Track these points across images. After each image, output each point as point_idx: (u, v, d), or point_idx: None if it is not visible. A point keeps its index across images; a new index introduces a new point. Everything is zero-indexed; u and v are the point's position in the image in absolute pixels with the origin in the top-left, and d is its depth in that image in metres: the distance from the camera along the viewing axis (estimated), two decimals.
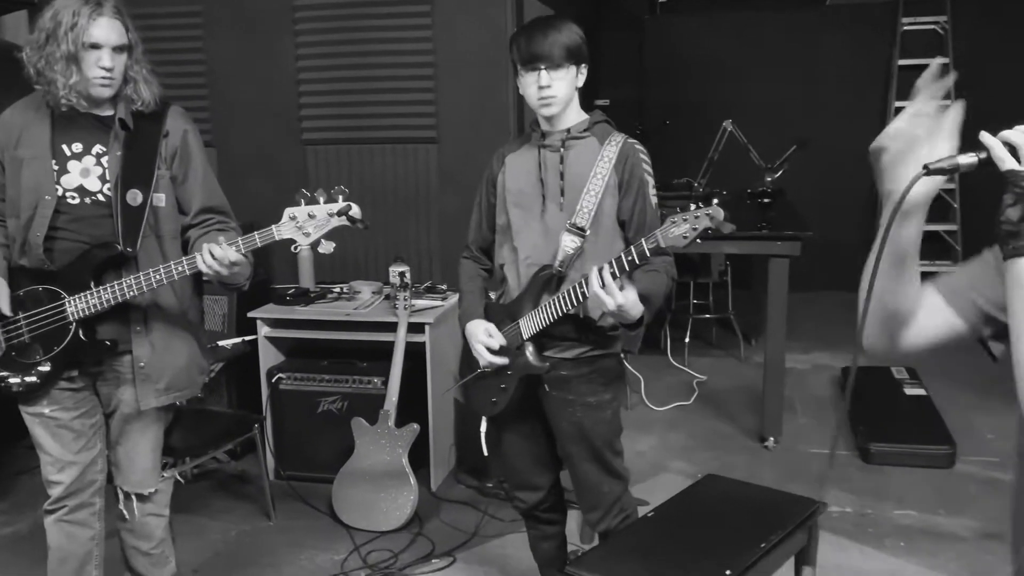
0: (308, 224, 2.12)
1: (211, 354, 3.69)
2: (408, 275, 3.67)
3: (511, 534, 3.38)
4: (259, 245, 2.15)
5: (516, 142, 2.47)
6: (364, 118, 4.14)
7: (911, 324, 1.22)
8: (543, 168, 2.34)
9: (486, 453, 2.57)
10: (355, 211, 2.13)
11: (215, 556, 3.30)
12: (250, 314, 3.84)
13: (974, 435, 4.13)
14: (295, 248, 2.16)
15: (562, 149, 2.32)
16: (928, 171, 0.93)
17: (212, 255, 2.12)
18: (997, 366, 1.23)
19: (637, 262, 2.07)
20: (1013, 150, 0.91)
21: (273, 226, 2.13)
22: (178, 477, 2.72)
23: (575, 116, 2.34)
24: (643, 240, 2.04)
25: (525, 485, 2.57)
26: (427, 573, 3.14)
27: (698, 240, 1.95)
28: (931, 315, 1.20)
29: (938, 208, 6.75)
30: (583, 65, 2.28)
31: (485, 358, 2.36)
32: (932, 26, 6.65)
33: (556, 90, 2.23)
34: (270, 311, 3.86)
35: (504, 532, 3.40)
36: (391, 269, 3.75)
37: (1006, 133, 0.92)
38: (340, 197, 2.13)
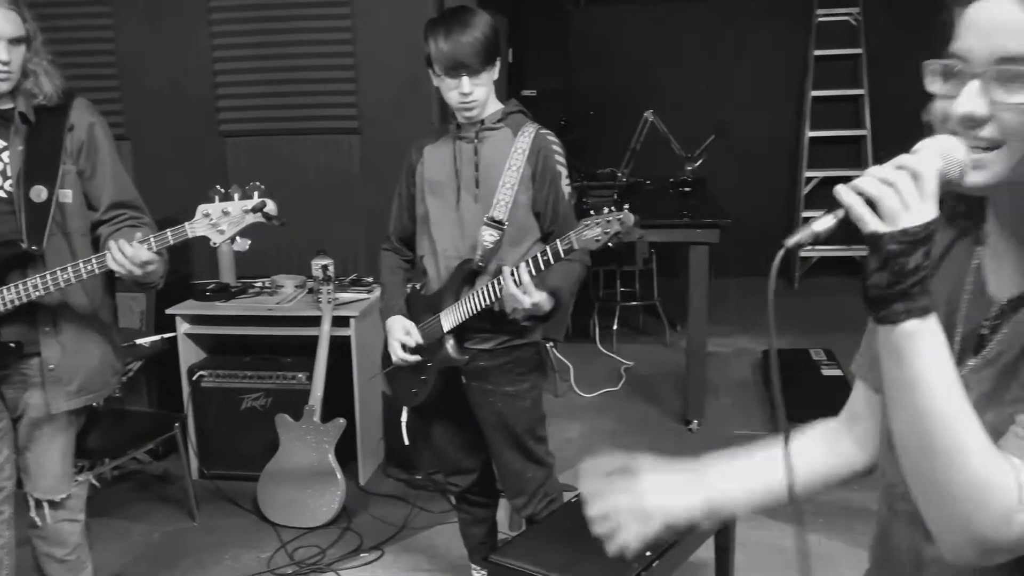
0: (223, 221, 2.08)
1: (128, 352, 3.61)
2: (331, 268, 3.63)
3: (440, 525, 3.38)
4: (172, 243, 2.09)
5: (433, 133, 2.49)
6: (284, 108, 4.07)
7: (867, 433, 1.15)
8: (458, 159, 2.36)
9: (407, 443, 2.62)
10: (270, 207, 2.10)
11: (137, 559, 3.23)
12: (169, 311, 3.75)
13: None
14: (213, 244, 2.12)
15: (476, 140, 2.33)
16: (786, 247, 0.86)
17: (123, 253, 2.06)
18: None
19: (552, 262, 2.11)
20: (872, 204, 0.83)
21: (187, 223, 2.08)
22: (93, 481, 2.63)
23: (490, 107, 2.35)
24: (558, 241, 2.09)
25: (456, 470, 2.63)
26: (355, 567, 3.12)
27: (609, 244, 2.01)
28: (873, 411, 1.13)
29: None
30: (500, 56, 2.30)
31: (398, 354, 2.41)
32: (845, 17, 6.85)
33: (478, 95, 2.26)
34: (190, 307, 3.78)
35: (433, 524, 3.41)
36: (314, 262, 3.71)
37: (860, 183, 0.84)
38: (255, 193, 2.10)
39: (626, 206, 1.98)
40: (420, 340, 2.39)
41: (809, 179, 6.96)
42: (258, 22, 4.01)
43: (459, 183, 2.36)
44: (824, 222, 0.85)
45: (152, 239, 2.07)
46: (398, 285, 2.54)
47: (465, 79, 2.22)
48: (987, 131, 0.86)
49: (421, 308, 2.43)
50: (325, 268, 3.58)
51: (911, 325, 0.83)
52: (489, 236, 2.31)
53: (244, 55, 4.05)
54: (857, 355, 1.17)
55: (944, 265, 1.03)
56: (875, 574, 1.15)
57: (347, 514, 3.43)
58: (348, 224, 4.11)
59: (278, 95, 4.06)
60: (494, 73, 2.29)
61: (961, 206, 1.02)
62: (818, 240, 0.86)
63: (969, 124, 0.86)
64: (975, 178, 0.87)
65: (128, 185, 2.40)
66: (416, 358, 2.39)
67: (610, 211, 1.99)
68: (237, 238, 2.10)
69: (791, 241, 0.86)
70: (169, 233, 2.07)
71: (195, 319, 3.78)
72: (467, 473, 2.62)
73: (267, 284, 3.95)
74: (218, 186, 2.12)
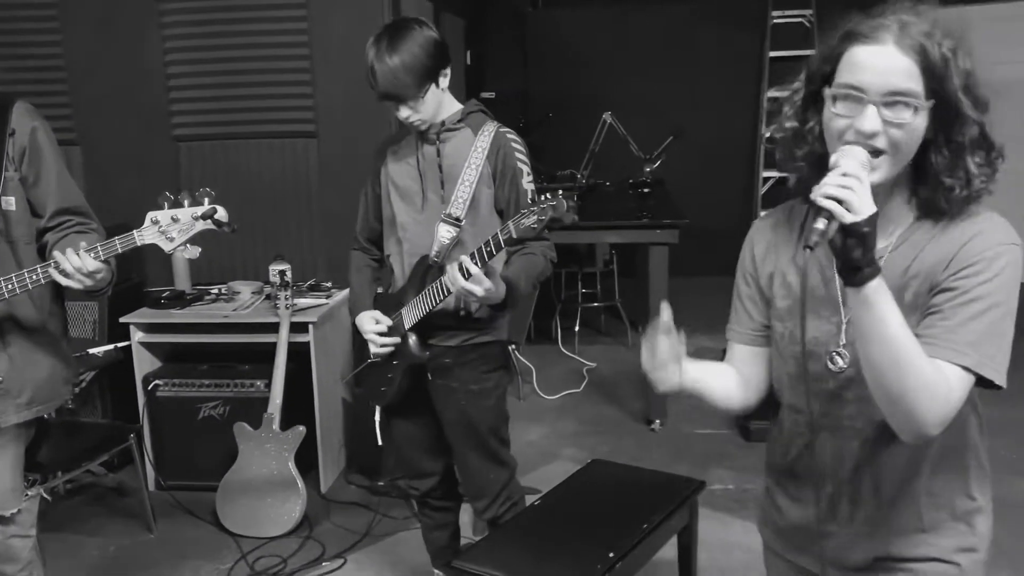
0: (172, 229, 2.03)
1: (81, 362, 3.53)
2: (289, 273, 3.58)
3: (403, 532, 3.36)
4: (120, 252, 2.03)
5: (398, 135, 2.50)
6: (239, 112, 4.01)
7: (749, 381, 1.53)
8: (421, 161, 2.37)
9: (380, 443, 2.60)
10: (221, 214, 2.05)
11: (93, 573, 3.15)
12: (123, 319, 3.67)
13: None
14: (168, 252, 2.08)
15: (438, 142, 2.33)
16: (810, 247, 1.16)
17: (69, 263, 1.99)
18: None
19: (495, 252, 2.11)
20: (840, 203, 1.15)
21: (135, 231, 2.02)
22: (44, 495, 2.55)
23: (449, 108, 2.36)
24: (499, 231, 2.09)
25: (417, 472, 2.62)
26: None
27: (547, 230, 2.03)
28: (756, 362, 1.53)
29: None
30: (443, 71, 2.27)
31: (376, 343, 2.40)
32: (799, 19, 6.95)
33: (422, 114, 2.27)
34: (144, 315, 3.70)
35: (396, 530, 3.38)
36: (271, 268, 3.65)
37: (831, 191, 1.15)
38: (206, 200, 2.05)
39: (560, 191, 2.00)
40: (390, 322, 2.40)
41: (766, 179, 7.04)
42: (212, 24, 3.94)
43: (423, 184, 2.37)
44: (824, 223, 1.15)
45: (99, 247, 2.01)
46: (364, 284, 2.55)
47: (402, 108, 2.24)
48: (879, 142, 1.22)
49: (388, 307, 2.44)
50: (283, 274, 3.53)
51: (875, 282, 1.17)
52: (446, 232, 2.33)
53: (198, 58, 3.98)
54: (731, 325, 1.55)
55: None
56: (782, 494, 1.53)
57: (308, 523, 3.39)
58: (305, 229, 4.06)
59: (233, 99, 4.00)
60: (441, 84, 2.28)
61: None
62: (826, 238, 1.16)
63: (869, 137, 1.22)
64: (873, 178, 1.22)
65: (74, 190, 2.30)
66: (395, 340, 2.38)
67: (545, 198, 2.01)
68: (188, 245, 2.06)
69: (811, 242, 1.15)
70: (117, 241, 2.01)
71: (150, 327, 3.71)
72: (428, 476, 2.61)
73: (223, 291, 3.89)
74: (167, 192, 2.08)
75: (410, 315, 2.36)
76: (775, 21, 6.95)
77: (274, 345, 3.43)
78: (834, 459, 1.41)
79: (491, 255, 2.12)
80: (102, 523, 3.51)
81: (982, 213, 1.30)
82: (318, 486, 3.66)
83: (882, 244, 1.30)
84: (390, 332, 2.41)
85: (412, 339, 2.37)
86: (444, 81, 2.29)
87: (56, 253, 2.02)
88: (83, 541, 3.37)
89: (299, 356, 3.54)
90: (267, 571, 3.11)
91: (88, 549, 3.31)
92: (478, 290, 2.11)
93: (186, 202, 2.05)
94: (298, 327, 3.51)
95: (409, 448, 2.60)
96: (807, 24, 6.93)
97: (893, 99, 1.21)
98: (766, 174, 7.03)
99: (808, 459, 1.44)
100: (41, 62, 4.05)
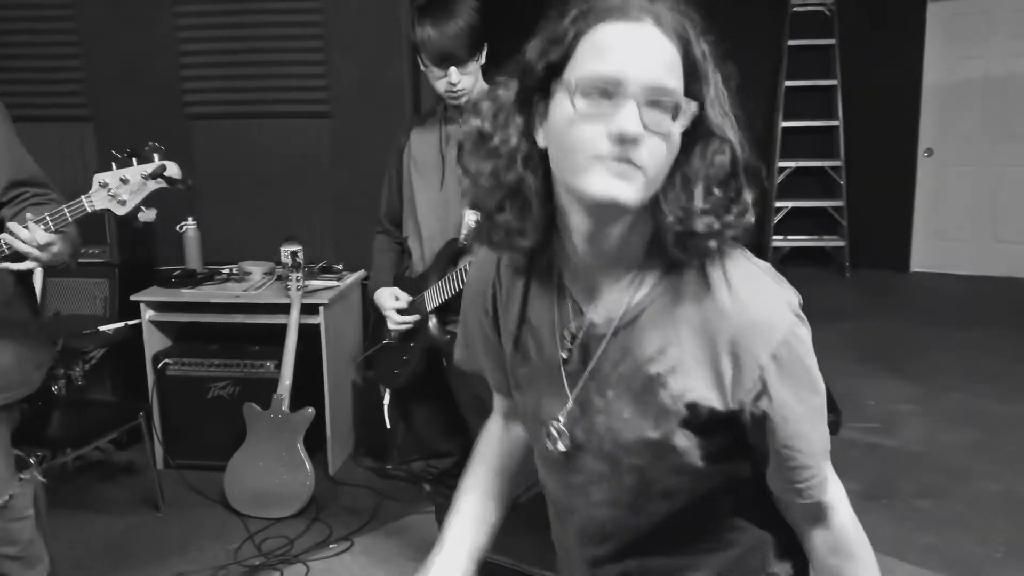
0: (122, 191, 1.89)
1: (91, 340, 3.53)
2: (301, 255, 3.56)
3: (411, 516, 3.35)
4: (70, 221, 1.90)
5: (423, 116, 2.49)
6: (252, 91, 3.98)
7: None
8: (444, 142, 2.36)
9: (388, 426, 2.61)
10: (172, 170, 1.93)
11: (100, 551, 3.15)
12: (133, 297, 3.67)
13: (855, 401, 4.31)
14: (123, 214, 1.94)
15: (462, 123, 2.31)
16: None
17: (19, 238, 1.87)
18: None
19: None
20: None
21: (83, 196, 1.90)
22: (39, 477, 2.47)
23: (475, 90, 2.33)
24: None
25: (435, 453, 2.66)
26: (324, 558, 3.07)
27: None
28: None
29: (825, 184, 7.00)
30: (485, 45, 2.27)
31: (395, 319, 2.40)
32: (819, 8, 6.86)
33: (465, 84, 2.25)
34: (154, 294, 3.69)
35: (404, 514, 3.36)
36: (283, 249, 3.65)
37: None
38: (156, 156, 1.92)
39: None
40: (409, 298, 2.40)
41: (782, 169, 6.98)
42: (226, 2, 3.91)
43: (444, 166, 2.35)
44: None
45: (48, 218, 1.89)
46: (385, 264, 2.55)
47: (453, 70, 2.21)
48: (637, 153, 0.91)
49: (407, 289, 2.44)
50: (294, 255, 3.51)
51: None
52: (472, 217, 2.30)
53: (211, 36, 3.95)
54: (487, 374, 1.33)
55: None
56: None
57: (316, 504, 3.38)
58: (318, 210, 4.04)
59: (246, 78, 3.97)
60: (481, 59, 2.28)
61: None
62: None
63: (625, 140, 0.90)
64: (624, 192, 0.91)
65: (27, 161, 2.15)
66: (415, 317, 2.38)
67: None
68: (143, 208, 1.95)
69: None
70: (66, 209, 1.89)
71: (160, 306, 3.70)
72: (446, 456, 2.63)
73: (234, 271, 3.88)
74: (113, 151, 1.95)
75: (433, 298, 2.35)
76: (795, 9, 6.87)
77: (284, 326, 3.41)
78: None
79: None
80: (110, 500, 3.52)
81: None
82: (326, 468, 3.66)
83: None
84: (409, 312, 2.40)
85: (433, 322, 2.36)
86: (483, 57, 2.28)
87: (4, 233, 1.91)
88: (91, 518, 3.37)
89: (309, 338, 3.53)
90: (274, 552, 3.10)
91: (96, 526, 3.32)
92: None
93: (135, 160, 1.92)
94: (309, 309, 3.50)
95: (426, 430, 2.61)
96: (827, 13, 6.84)
97: (656, 97, 0.91)
98: (782, 164, 6.96)
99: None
100: (55, 37, 4.03)
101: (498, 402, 1.38)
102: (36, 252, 1.88)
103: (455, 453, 2.62)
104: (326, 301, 3.53)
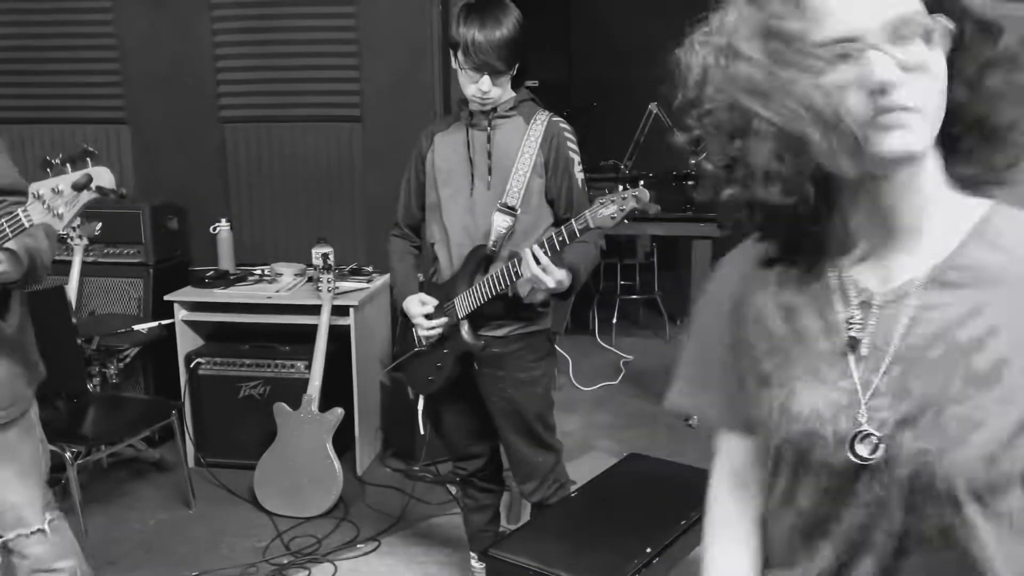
0: (57, 203, 1.70)
1: (125, 339, 3.59)
2: (331, 257, 3.60)
3: (437, 517, 3.37)
4: (11, 236, 1.74)
5: (444, 121, 2.49)
6: (285, 95, 4.03)
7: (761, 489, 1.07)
8: (471, 147, 2.35)
9: (423, 432, 2.62)
10: (104, 179, 1.70)
11: (132, 546, 3.20)
12: (167, 297, 3.72)
13: None
14: (62, 229, 1.75)
15: (489, 128, 2.32)
16: None
17: None
18: None
19: (568, 241, 2.12)
20: None
21: (19, 209, 1.72)
22: (62, 525, 2.16)
23: (503, 96, 2.34)
24: (573, 220, 2.10)
25: (465, 455, 2.64)
26: (351, 558, 3.10)
27: (625, 220, 2.03)
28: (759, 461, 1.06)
29: None
30: (520, 59, 2.29)
31: (424, 326, 2.40)
32: None
33: (495, 94, 2.26)
34: (188, 294, 3.75)
35: (430, 515, 3.39)
36: (314, 251, 3.68)
37: None
38: (89, 160, 1.72)
39: (641, 182, 2.00)
40: (436, 301, 2.40)
41: None
42: (260, 7, 3.97)
43: (472, 171, 2.35)
44: None
45: None
46: (408, 269, 2.55)
47: (486, 79, 2.22)
48: (903, 96, 0.82)
49: (435, 296, 2.44)
50: (325, 257, 3.55)
51: None
52: (502, 222, 2.32)
53: (245, 40, 4.01)
54: (712, 410, 1.10)
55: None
56: None
57: (344, 504, 3.41)
58: (348, 213, 4.08)
59: (279, 81, 4.02)
60: (513, 72, 2.29)
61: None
62: None
63: (887, 93, 0.81)
64: (893, 143, 0.82)
65: (6, 168, 2.00)
66: (443, 320, 2.38)
67: (625, 188, 1.99)
68: (83, 220, 1.84)
69: None
70: (6, 224, 1.73)
71: (193, 306, 3.75)
72: (475, 459, 2.64)
73: (266, 272, 3.93)
74: (48, 156, 1.77)
75: (463, 304, 2.35)
76: None
77: (315, 327, 3.45)
78: None
79: (563, 244, 2.12)
80: (142, 497, 3.57)
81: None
82: (354, 468, 3.69)
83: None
84: (436, 316, 2.41)
85: (465, 328, 2.37)
86: (516, 67, 2.29)
87: None
88: (124, 514, 3.43)
89: (339, 339, 3.57)
90: (302, 551, 3.14)
91: (128, 522, 3.37)
92: (549, 280, 2.12)
93: (68, 166, 1.75)
94: (339, 310, 3.53)
95: (456, 433, 2.61)
96: None
97: (900, 32, 0.83)
98: None
99: None
100: (93, 40, 4.11)
101: (728, 449, 1.11)
102: None
103: (484, 455, 2.64)
104: (356, 303, 3.56)
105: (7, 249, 1.77)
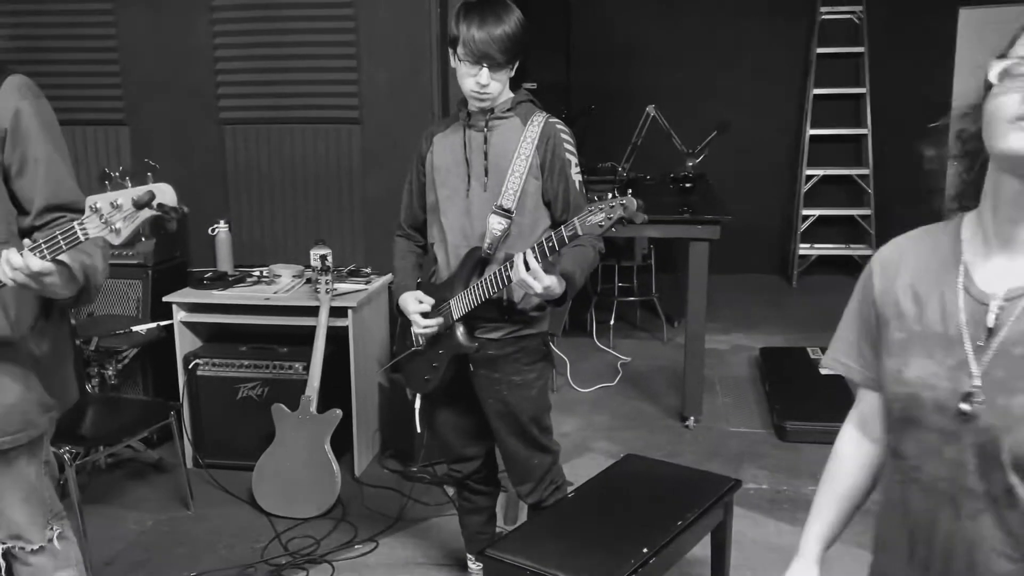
0: (115, 217, 1.62)
1: (124, 339, 3.59)
2: (330, 258, 3.61)
3: (435, 518, 3.38)
4: (65, 250, 1.67)
5: (444, 122, 2.50)
6: (285, 97, 4.04)
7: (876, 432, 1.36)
8: (468, 148, 2.36)
9: (419, 430, 2.63)
10: (166, 196, 1.63)
11: (130, 547, 3.21)
12: (165, 298, 3.73)
13: None
14: (118, 243, 1.67)
15: (486, 129, 2.33)
16: None
17: (10, 265, 1.67)
18: None
19: (557, 248, 2.12)
20: None
21: (75, 224, 1.65)
22: (68, 535, 2.13)
23: (501, 96, 2.35)
24: (562, 227, 2.10)
25: (459, 457, 2.65)
26: (350, 559, 3.11)
27: (613, 229, 2.02)
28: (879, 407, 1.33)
29: (853, 192, 6.96)
30: (520, 58, 2.30)
31: (420, 324, 2.41)
32: (849, 15, 6.82)
33: (493, 88, 2.27)
34: (186, 295, 3.76)
35: (428, 516, 3.40)
36: (312, 252, 3.69)
37: None
38: (150, 175, 1.66)
39: (629, 191, 2.00)
40: (432, 301, 2.41)
41: (809, 177, 6.95)
42: (260, 9, 3.98)
43: (469, 172, 2.36)
44: None
45: (44, 244, 1.66)
46: (408, 267, 2.57)
47: (485, 71, 2.22)
48: None
49: (432, 295, 2.45)
50: (324, 258, 3.56)
51: None
52: (497, 224, 2.32)
53: (245, 43, 4.02)
54: (857, 366, 1.33)
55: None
56: (882, 557, 1.32)
57: (342, 505, 3.43)
58: (347, 214, 4.09)
59: (279, 83, 4.03)
60: (512, 71, 2.30)
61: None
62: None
63: None
64: (1020, 142, 1.04)
65: (67, 183, 1.92)
66: (439, 320, 2.39)
67: (613, 196, 1.99)
68: (142, 238, 1.67)
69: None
70: (60, 235, 1.66)
71: (192, 307, 3.76)
72: (470, 460, 2.64)
73: (265, 273, 3.94)
74: (107, 169, 1.80)
75: (459, 306, 2.36)
76: (824, 17, 6.84)
77: (313, 328, 3.46)
78: (925, 526, 1.21)
79: (553, 251, 2.12)
80: (140, 497, 3.58)
81: None
82: (352, 469, 3.70)
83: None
84: (433, 315, 2.42)
85: (460, 329, 2.37)
86: (514, 68, 2.30)
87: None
88: (121, 514, 3.43)
89: (337, 340, 3.58)
90: (300, 552, 3.15)
91: (127, 523, 3.38)
92: (537, 286, 2.13)
93: (128, 181, 1.73)
94: (337, 311, 3.54)
95: (451, 434, 2.62)
96: (856, 21, 6.80)
97: None
98: (809, 172, 6.93)
99: (891, 529, 1.28)
100: (94, 42, 4.11)
101: (860, 401, 1.38)
102: (24, 279, 1.68)
103: (479, 457, 2.64)
104: (354, 304, 3.57)
105: (60, 262, 1.70)
